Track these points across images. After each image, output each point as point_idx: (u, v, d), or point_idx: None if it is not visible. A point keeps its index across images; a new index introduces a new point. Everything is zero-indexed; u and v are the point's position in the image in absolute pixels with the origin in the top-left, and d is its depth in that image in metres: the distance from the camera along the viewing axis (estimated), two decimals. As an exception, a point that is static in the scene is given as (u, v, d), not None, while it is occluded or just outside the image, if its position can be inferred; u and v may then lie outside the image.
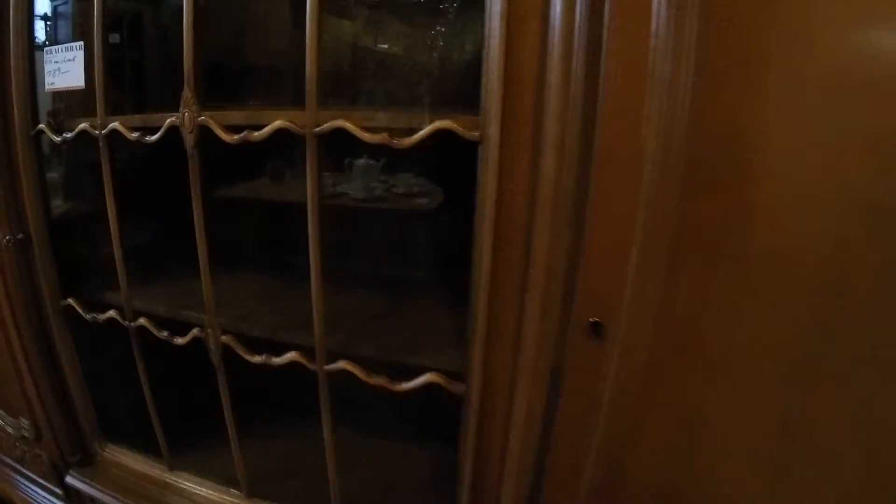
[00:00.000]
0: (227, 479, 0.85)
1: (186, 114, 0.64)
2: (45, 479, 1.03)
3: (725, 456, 0.57)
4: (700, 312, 0.52)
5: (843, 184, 0.46)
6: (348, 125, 0.57)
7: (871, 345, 0.49)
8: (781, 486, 0.56)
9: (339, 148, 0.84)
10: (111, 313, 0.80)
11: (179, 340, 0.75)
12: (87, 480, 0.96)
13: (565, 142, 0.48)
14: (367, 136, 0.57)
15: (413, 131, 0.55)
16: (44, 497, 1.05)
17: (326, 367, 0.67)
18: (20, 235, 0.81)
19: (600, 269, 0.51)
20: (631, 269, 0.50)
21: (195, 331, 0.73)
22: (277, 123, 0.60)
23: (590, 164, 0.48)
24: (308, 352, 0.67)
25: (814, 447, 0.54)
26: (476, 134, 0.52)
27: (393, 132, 0.57)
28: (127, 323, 0.79)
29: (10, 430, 1.02)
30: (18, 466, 1.07)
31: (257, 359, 0.70)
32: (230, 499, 0.85)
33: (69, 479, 0.98)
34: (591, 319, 0.52)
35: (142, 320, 0.77)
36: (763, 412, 0.54)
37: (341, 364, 0.66)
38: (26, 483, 1.07)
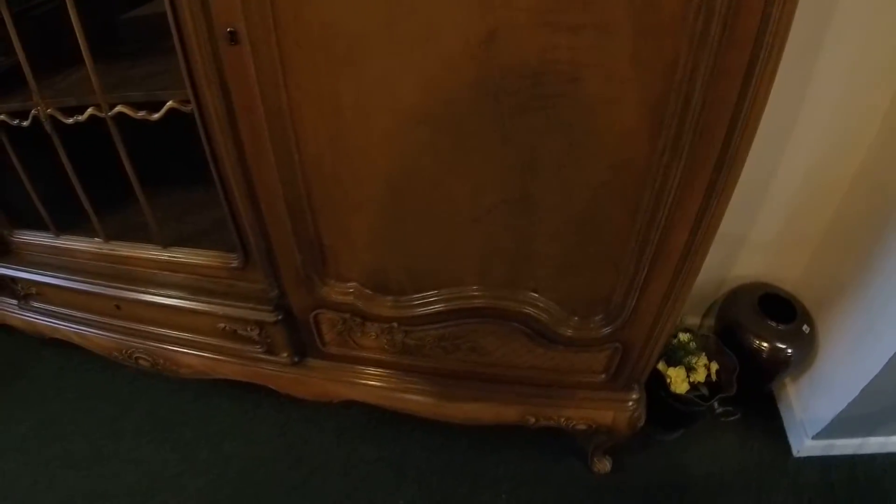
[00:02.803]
0: (92, 232, 1.24)
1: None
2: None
3: (370, 121, 0.85)
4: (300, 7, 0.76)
5: None
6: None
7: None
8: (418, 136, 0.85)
9: None
10: (-16, 114, 1.16)
11: (24, 123, 1.10)
12: (9, 264, 1.37)
13: None
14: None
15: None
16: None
17: (110, 113, 1.02)
18: None
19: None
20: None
21: (33, 111, 1.09)
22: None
23: None
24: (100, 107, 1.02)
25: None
26: None
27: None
28: (-6, 120, 1.15)
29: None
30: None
31: (71, 120, 1.06)
32: (94, 246, 1.24)
33: (-4, 268, 1.39)
34: (228, 29, 0.83)
35: (2, 116, 1.13)
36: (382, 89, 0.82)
37: (119, 108, 1.01)
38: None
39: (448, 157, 0.87)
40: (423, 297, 1.09)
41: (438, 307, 1.09)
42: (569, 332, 1.09)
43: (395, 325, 1.13)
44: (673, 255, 0.91)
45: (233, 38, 0.82)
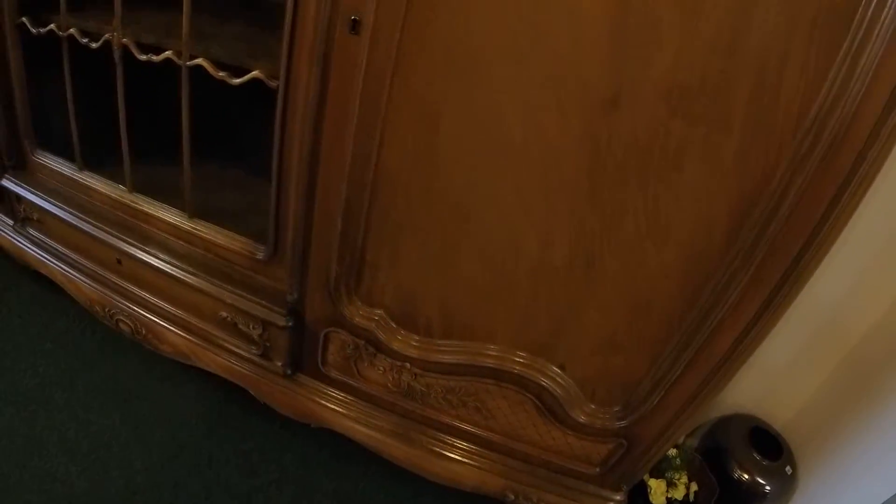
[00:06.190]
0: (118, 178, 1.12)
1: None
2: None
3: (467, 150, 0.80)
4: (444, 10, 0.70)
5: None
6: None
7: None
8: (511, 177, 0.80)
9: None
10: (51, 26, 1.06)
11: (94, 44, 1.01)
12: (19, 182, 1.23)
13: None
14: None
15: None
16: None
17: (188, 63, 0.92)
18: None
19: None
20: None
21: (106, 35, 0.99)
22: None
23: None
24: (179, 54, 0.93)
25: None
26: None
27: None
28: (61, 33, 1.05)
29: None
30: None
31: (143, 57, 0.96)
32: (115, 192, 1.12)
33: (4, 182, 1.25)
34: (352, 17, 0.76)
35: (72, 30, 1.03)
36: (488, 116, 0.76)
37: (199, 61, 0.92)
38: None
39: (530, 203, 0.81)
40: (448, 344, 0.99)
41: (460, 358, 0.99)
42: (581, 417, 1.01)
43: (408, 365, 1.02)
44: (712, 358, 0.86)
45: (354, 26, 0.74)
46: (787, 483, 1.43)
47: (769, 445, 1.45)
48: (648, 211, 0.76)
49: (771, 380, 1.48)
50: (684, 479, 1.45)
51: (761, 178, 0.68)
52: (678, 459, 1.47)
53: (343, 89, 0.78)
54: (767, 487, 1.41)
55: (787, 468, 1.44)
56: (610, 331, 0.90)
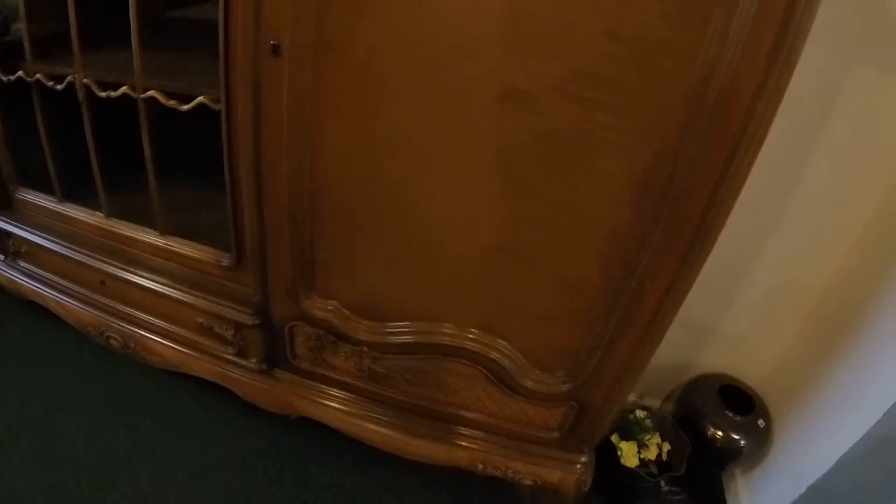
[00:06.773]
0: (95, 206, 1.22)
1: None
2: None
3: (392, 154, 0.88)
4: (348, 34, 0.79)
5: None
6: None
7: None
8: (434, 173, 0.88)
9: None
10: (19, 73, 1.16)
11: (58, 86, 1.11)
12: (7, 219, 1.34)
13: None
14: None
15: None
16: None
17: (142, 95, 1.02)
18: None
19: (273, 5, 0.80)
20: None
21: (69, 77, 1.09)
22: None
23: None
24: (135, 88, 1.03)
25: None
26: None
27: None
28: (28, 79, 1.15)
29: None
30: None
31: (104, 94, 1.06)
32: (94, 219, 1.22)
33: (-7, 221, 1.36)
34: (272, 42, 0.85)
35: (38, 76, 1.13)
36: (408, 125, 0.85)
37: (152, 92, 1.02)
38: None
39: (457, 197, 0.89)
40: (397, 326, 1.07)
41: (410, 338, 1.07)
42: (529, 384, 1.08)
43: (365, 349, 1.11)
44: (640, 321, 0.93)
45: (275, 50, 0.83)
46: (761, 436, 1.47)
47: (743, 402, 1.50)
48: (560, 193, 0.84)
49: (739, 343, 1.54)
50: (656, 439, 1.50)
51: (657, 149, 0.75)
52: (648, 421, 1.53)
53: (273, 108, 0.87)
54: (742, 442, 1.45)
55: (760, 421, 1.48)
56: (543, 306, 0.97)
